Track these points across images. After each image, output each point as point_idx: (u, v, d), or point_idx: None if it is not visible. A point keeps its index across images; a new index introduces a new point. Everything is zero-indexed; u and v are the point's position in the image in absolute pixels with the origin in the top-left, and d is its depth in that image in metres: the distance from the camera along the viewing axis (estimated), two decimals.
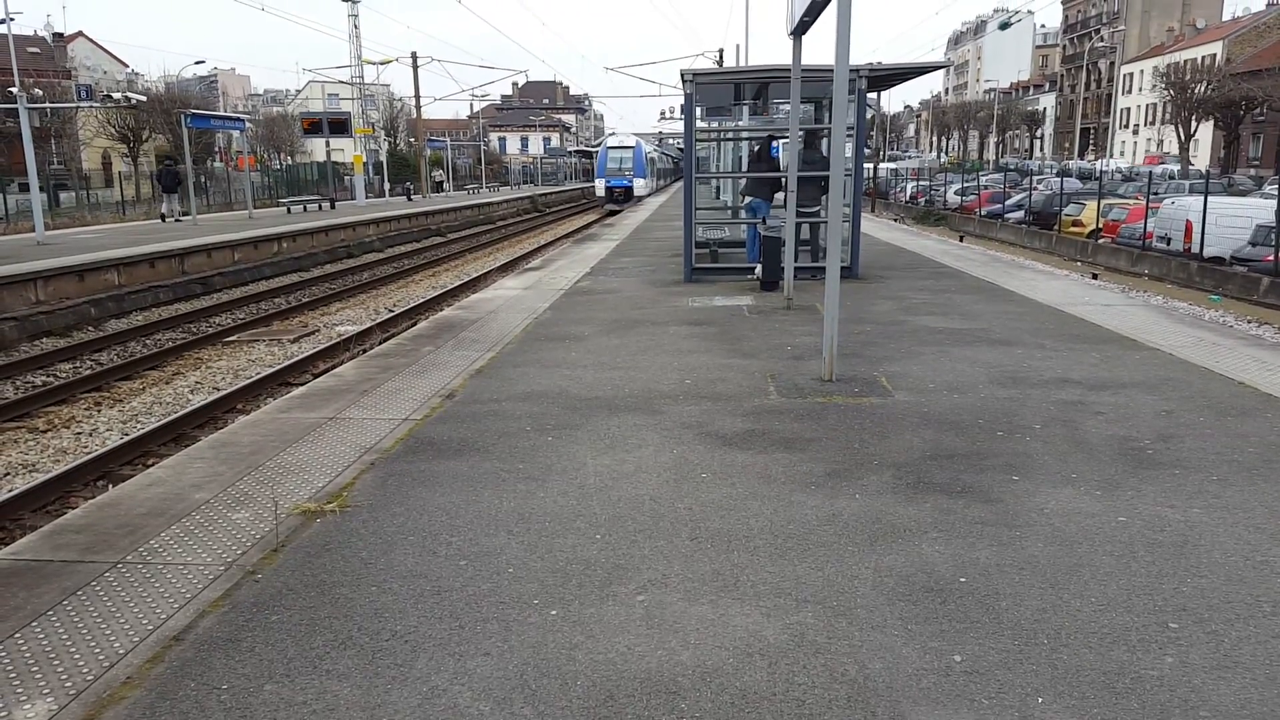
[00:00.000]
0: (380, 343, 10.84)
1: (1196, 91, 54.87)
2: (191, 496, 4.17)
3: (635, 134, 47.55)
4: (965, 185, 40.03)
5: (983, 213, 35.27)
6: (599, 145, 44.40)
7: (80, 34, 69.81)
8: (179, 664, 2.78)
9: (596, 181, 41.95)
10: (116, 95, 32.41)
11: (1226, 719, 2.45)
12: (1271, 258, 18.03)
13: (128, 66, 71.01)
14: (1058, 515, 3.82)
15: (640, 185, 40.05)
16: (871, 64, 10.80)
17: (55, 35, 62.42)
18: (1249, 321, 14.98)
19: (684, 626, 2.96)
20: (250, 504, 4.06)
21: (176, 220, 26.23)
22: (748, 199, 12.40)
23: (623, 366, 6.72)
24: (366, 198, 38.63)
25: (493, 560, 3.47)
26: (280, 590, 3.24)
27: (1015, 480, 4.23)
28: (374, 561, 3.47)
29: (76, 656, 2.83)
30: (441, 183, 53.57)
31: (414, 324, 11.90)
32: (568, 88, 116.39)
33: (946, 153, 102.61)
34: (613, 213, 35.80)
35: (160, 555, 3.54)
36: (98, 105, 38.25)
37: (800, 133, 9.98)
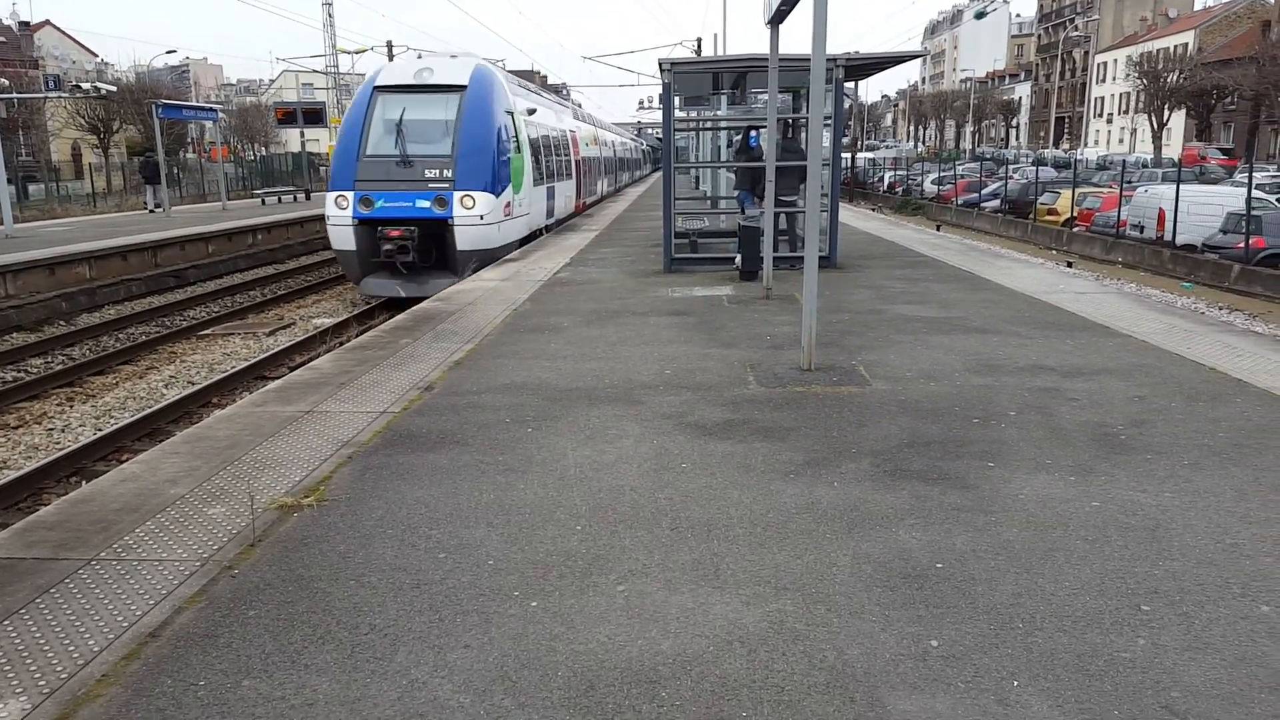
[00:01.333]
0: (357, 335, 10.74)
1: (1169, 81, 55.45)
2: (167, 492, 4.12)
3: (619, 115, 35.83)
4: (942, 175, 40.19)
5: (959, 202, 35.49)
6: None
7: (47, 23, 68.64)
8: (155, 661, 2.76)
9: (328, 199, 13.46)
10: (86, 85, 31.95)
11: (1197, 699, 2.50)
12: (1242, 245, 18.30)
13: (97, 56, 69.96)
14: (1032, 501, 3.86)
15: (479, 209, 13.11)
16: (849, 53, 10.84)
17: (21, 24, 61.23)
18: (1220, 308, 15.23)
19: (664, 616, 2.97)
20: (226, 499, 4.02)
21: (151, 211, 25.93)
22: (738, 192, 12.49)
23: (602, 357, 6.71)
24: None
25: (472, 552, 3.46)
26: (257, 585, 3.22)
27: (991, 467, 4.27)
28: (352, 555, 3.45)
29: (50, 655, 2.79)
30: None
31: (391, 316, 11.82)
32: (545, 77, 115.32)
33: (923, 142, 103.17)
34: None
35: (135, 551, 3.50)
36: (66, 95, 37.67)
37: (779, 122, 9.99)
